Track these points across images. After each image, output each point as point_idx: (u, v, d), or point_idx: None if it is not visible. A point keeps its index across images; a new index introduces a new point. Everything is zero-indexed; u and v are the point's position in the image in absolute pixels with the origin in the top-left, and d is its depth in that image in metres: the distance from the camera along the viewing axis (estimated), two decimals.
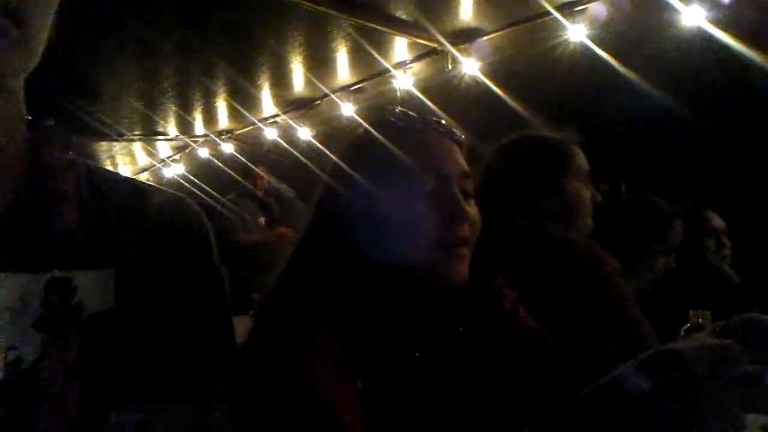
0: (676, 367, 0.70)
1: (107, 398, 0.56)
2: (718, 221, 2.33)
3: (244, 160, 4.33)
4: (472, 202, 0.83)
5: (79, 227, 0.58)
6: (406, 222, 0.77)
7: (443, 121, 0.85)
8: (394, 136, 0.80)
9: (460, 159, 0.83)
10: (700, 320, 1.04)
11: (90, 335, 0.56)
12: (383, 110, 0.84)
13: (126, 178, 0.70)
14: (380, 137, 0.80)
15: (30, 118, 0.60)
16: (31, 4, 0.51)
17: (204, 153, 5.01)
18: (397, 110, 0.85)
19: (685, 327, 1.06)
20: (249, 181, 4.16)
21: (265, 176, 4.18)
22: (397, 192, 0.77)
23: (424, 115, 0.85)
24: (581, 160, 1.43)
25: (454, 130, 0.85)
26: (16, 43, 0.50)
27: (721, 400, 0.68)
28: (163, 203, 0.68)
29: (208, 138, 4.83)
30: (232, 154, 4.75)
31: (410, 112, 0.84)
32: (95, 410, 0.55)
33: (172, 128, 4.70)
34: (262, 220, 4.10)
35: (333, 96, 3.75)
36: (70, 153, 0.62)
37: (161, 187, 0.70)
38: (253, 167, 4.18)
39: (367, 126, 0.83)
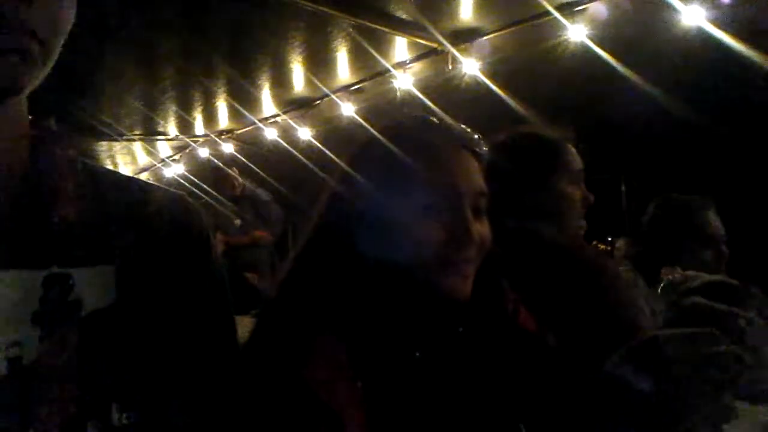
0: (653, 353, 0.70)
1: (105, 394, 0.57)
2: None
3: (216, 162, 4.31)
4: (484, 219, 0.79)
5: (79, 224, 0.59)
6: (410, 235, 0.74)
7: (467, 131, 0.80)
8: (407, 144, 0.76)
9: (477, 175, 0.78)
10: (671, 276, 1.04)
11: (88, 331, 0.57)
12: (400, 115, 0.81)
13: (127, 177, 0.71)
14: (392, 144, 0.76)
15: (32, 117, 0.62)
16: (53, 27, 0.55)
17: (204, 153, 5.01)
18: (415, 116, 0.81)
19: (660, 286, 1.04)
20: (221, 183, 4.14)
21: (239, 178, 4.16)
22: (403, 203, 0.74)
23: (446, 124, 0.80)
24: (573, 158, 1.36)
25: (476, 141, 0.80)
26: (38, 62, 0.54)
27: (699, 382, 0.67)
28: (163, 202, 0.68)
29: (208, 138, 4.83)
30: (231, 154, 4.75)
31: (431, 119, 0.80)
32: (93, 406, 0.56)
33: (172, 128, 4.70)
34: (237, 222, 4.09)
35: (333, 96, 3.75)
36: (71, 152, 0.64)
37: (161, 186, 0.72)
38: (225, 169, 4.17)
39: (379, 130, 0.79)
